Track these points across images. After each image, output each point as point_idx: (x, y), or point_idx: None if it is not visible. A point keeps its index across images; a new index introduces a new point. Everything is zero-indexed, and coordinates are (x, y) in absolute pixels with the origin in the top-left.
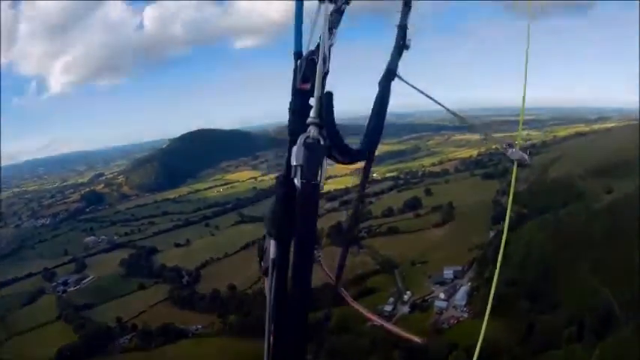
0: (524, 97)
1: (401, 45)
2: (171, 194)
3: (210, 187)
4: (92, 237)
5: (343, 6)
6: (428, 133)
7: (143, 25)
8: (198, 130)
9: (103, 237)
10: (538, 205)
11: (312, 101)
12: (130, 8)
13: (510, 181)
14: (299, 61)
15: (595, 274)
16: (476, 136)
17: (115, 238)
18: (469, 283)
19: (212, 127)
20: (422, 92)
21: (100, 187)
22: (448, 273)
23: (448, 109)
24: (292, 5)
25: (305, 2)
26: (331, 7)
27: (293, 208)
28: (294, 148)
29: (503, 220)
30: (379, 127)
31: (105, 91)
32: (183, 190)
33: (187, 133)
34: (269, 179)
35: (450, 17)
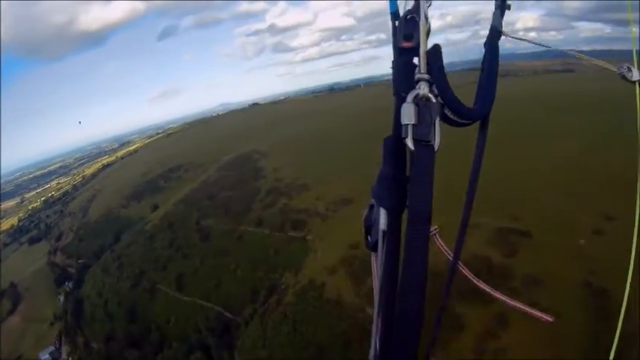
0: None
1: (503, 4)
2: None
3: None
4: None
5: None
6: None
7: None
8: None
9: None
10: (92, 249)
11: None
12: None
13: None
14: (398, 20)
15: (181, 290)
16: (12, 202)
17: None
18: (70, 358)
19: None
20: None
21: None
22: (45, 358)
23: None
24: None
25: None
26: None
27: (403, 172)
28: (404, 106)
29: (70, 279)
30: (493, 87)
31: None
32: None
33: None
34: None
35: None
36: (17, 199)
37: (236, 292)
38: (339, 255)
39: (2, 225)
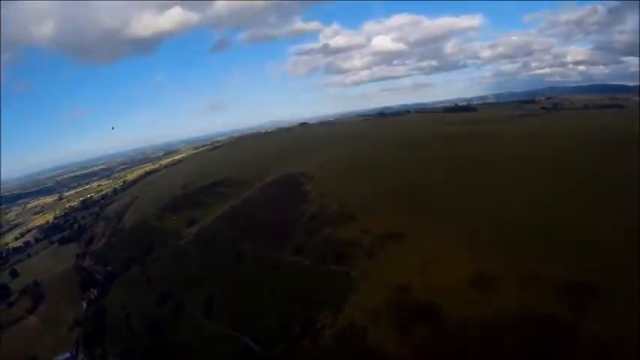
0: None
1: None
2: None
3: None
4: None
5: None
6: (4, 206)
7: None
8: None
9: None
10: (122, 258)
11: None
12: None
13: None
14: None
15: (209, 315)
16: (50, 199)
17: None
18: None
19: None
20: None
21: None
22: None
23: None
24: None
25: None
26: None
27: None
28: None
29: (95, 286)
30: None
31: None
32: None
33: None
34: None
35: None
36: (56, 197)
37: (267, 324)
38: (385, 297)
39: (38, 220)
